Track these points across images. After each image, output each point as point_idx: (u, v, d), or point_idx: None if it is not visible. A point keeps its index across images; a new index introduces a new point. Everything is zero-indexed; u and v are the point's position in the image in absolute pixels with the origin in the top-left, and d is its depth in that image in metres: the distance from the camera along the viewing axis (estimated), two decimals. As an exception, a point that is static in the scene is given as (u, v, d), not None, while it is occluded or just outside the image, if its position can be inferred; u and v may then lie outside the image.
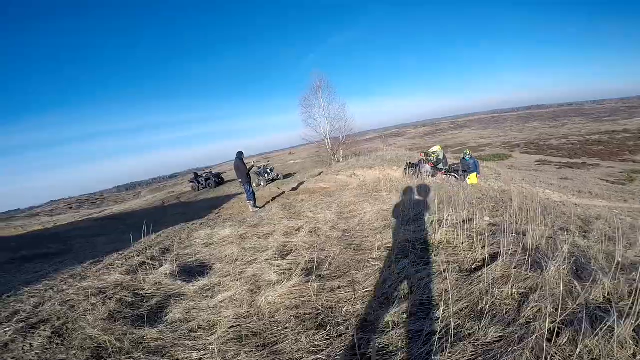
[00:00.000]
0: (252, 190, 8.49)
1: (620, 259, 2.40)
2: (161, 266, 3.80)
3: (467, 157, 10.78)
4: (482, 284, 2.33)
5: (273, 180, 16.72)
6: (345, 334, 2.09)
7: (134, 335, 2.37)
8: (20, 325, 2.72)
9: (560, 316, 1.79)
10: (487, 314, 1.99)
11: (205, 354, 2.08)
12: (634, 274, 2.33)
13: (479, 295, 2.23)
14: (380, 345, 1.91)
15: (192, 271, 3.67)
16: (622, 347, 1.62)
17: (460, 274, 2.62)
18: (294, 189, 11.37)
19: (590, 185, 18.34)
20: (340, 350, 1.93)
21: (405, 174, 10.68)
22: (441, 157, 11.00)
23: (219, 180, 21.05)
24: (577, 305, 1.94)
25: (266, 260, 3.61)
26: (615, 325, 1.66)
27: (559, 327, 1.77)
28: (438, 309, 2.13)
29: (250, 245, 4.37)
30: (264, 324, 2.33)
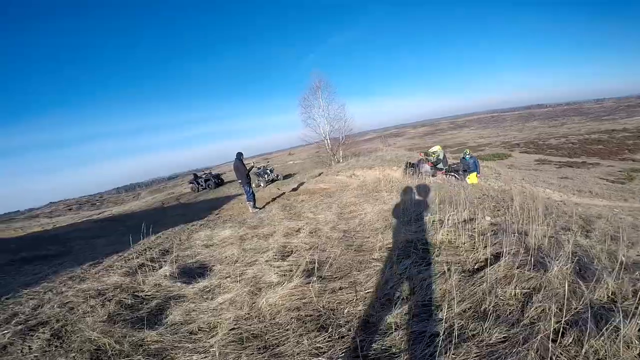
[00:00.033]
0: (252, 191, 8.47)
1: (623, 259, 2.39)
2: (161, 268, 3.78)
3: (467, 156, 10.77)
4: (484, 284, 2.31)
5: (273, 180, 16.70)
6: (347, 335, 2.07)
7: (133, 338, 2.34)
8: (19, 327, 2.71)
9: (565, 316, 1.77)
10: (490, 314, 1.97)
11: (206, 357, 2.06)
12: (637, 273, 2.32)
13: (481, 295, 2.21)
14: (383, 347, 1.89)
15: (192, 273, 3.64)
16: (628, 347, 1.60)
17: (463, 274, 2.60)
18: (294, 189, 11.35)
19: (590, 184, 18.33)
20: (342, 353, 1.91)
21: (405, 173, 10.66)
22: (441, 157, 10.98)
23: (219, 181, 21.03)
24: (582, 305, 1.92)
25: (266, 261, 3.58)
26: (621, 325, 1.64)
27: (563, 328, 1.75)
28: (441, 310, 2.10)
29: (250, 246, 4.34)
30: (264, 326, 2.31)
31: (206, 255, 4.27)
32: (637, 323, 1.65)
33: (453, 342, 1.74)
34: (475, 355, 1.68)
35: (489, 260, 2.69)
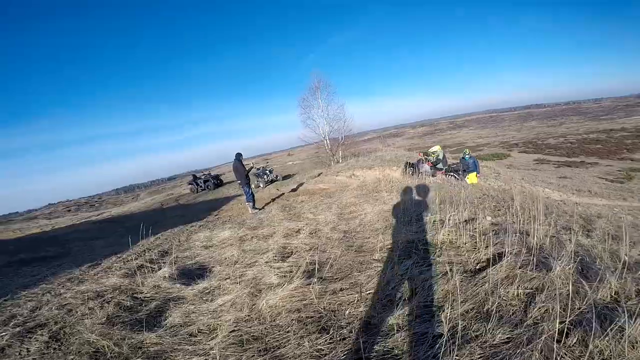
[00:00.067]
0: (251, 192, 8.44)
1: (626, 258, 2.37)
2: (160, 269, 3.75)
3: (467, 156, 10.76)
4: (487, 284, 2.29)
5: (272, 181, 16.67)
6: (349, 337, 2.05)
7: (132, 340, 2.32)
8: (17, 329, 2.69)
9: (569, 316, 1.75)
10: (493, 315, 1.95)
11: (206, 359, 2.04)
12: (640, 272, 2.30)
13: (484, 296, 2.19)
14: (385, 349, 1.87)
15: (191, 274, 3.62)
16: (633, 348, 1.59)
17: (465, 274, 2.58)
18: (294, 190, 11.32)
19: (589, 183, 18.36)
20: (344, 355, 1.89)
21: (405, 173, 10.65)
22: (441, 156, 10.98)
23: (218, 182, 20.98)
24: (585, 305, 1.90)
25: (266, 262, 3.56)
26: (626, 325, 1.62)
27: (567, 328, 1.73)
28: (443, 311, 2.09)
29: (250, 247, 4.32)
30: (265, 328, 2.29)
31: (205, 256, 4.25)
32: (642, 323, 1.64)
33: (456, 343, 1.72)
34: (479, 356, 1.66)
35: (490, 261, 2.68)
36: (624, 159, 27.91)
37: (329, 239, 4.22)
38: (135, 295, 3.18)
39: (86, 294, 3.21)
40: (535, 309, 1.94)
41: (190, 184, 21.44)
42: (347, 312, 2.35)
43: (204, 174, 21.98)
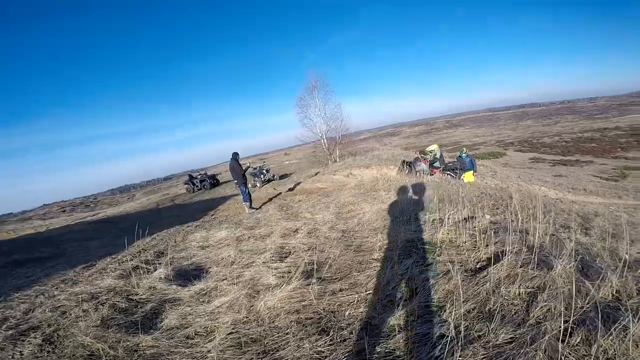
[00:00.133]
0: (248, 192, 8.38)
1: (626, 256, 2.36)
2: (155, 270, 3.70)
3: (464, 155, 10.77)
4: (488, 283, 2.26)
5: (269, 181, 16.60)
6: (350, 338, 2.01)
7: (128, 343, 2.27)
8: (10, 332, 2.64)
9: (572, 315, 1.73)
10: (496, 314, 1.92)
11: (204, 362, 2.00)
12: (640, 271, 2.29)
13: (485, 295, 2.17)
14: (387, 350, 1.84)
15: (187, 275, 3.56)
16: (637, 346, 1.57)
17: (465, 274, 2.56)
18: (291, 189, 11.27)
19: (584, 182, 18.48)
20: (345, 357, 1.86)
21: (401, 171, 10.64)
22: (438, 155, 10.99)
23: (214, 182, 20.89)
24: (588, 304, 1.88)
25: (264, 262, 3.52)
26: (630, 324, 1.61)
27: (571, 327, 1.71)
28: (445, 311, 2.06)
29: (247, 247, 4.27)
30: (263, 330, 2.25)
31: (202, 257, 4.19)
32: (646, 322, 1.62)
33: (459, 343, 1.69)
34: (482, 356, 1.64)
35: (491, 260, 2.66)
36: (618, 157, 28.15)
37: (327, 238, 4.18)
38: (130, 296, 3.13)
39: (80, 296, 3.15)
40: (538, 308, 1.92)
41: (186, 183, 21.32)
42: (347, 312, 2.32)
43: (200, 174, 21.88)
